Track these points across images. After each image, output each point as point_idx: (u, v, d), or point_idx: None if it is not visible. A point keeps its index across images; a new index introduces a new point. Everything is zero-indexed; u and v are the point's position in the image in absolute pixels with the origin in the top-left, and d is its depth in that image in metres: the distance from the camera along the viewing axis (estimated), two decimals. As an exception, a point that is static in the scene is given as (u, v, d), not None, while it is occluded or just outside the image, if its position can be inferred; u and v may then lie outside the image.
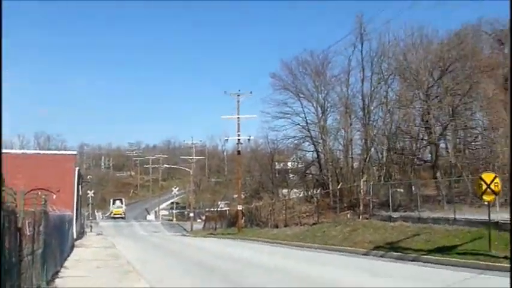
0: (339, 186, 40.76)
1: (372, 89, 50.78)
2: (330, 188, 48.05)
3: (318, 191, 51.46)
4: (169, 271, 19.80)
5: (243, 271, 18.71)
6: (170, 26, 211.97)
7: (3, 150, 58.14)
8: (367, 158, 48.98)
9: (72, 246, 32.70)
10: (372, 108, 51.05)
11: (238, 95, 52.59)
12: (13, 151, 50.21)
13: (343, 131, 54.68)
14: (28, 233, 11.51)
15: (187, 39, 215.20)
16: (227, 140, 55.23)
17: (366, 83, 51.12)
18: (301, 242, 32.06)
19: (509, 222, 19.54)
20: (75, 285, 15.36)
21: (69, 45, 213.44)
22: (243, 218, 53.21)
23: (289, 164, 74.26)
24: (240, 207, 52.14)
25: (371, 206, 31.21)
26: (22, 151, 56.15)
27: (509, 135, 31.61)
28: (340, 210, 35.95)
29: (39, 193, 15.30)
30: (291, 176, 71.24)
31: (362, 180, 35.29)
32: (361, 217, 32.06)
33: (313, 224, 37.17)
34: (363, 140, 51.52)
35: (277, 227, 43.55)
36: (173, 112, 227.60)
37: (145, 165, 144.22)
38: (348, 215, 34.24)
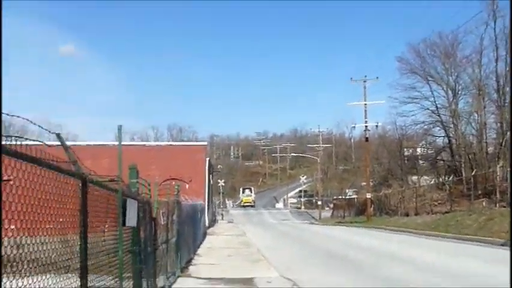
0: (473, 173, 38.81)
1: (507, 68, 47.85)
2: (463, 174, 46.04)
3: (450, 178, 49.44)
4: (299, 260, 19.85)
5: (376, 262, 18.25)
6: (297, 15, 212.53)
7: (140, 143, 61.41)
8: (503, 143, 46.28)
9: (205, 234, 33.79)
10: (508, 89, 48.14)
11: (365, 81, 51.73)
12: (148, 143, 52.89)
13: (476, 115, 52.04)
14: (162, 223, 11.97)
15: (311, 26, 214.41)
16: (354, 127, 54.52)
17: (500, 63, 48.25)
18: (433, 231, 30.98)
19: None
20: (207, 272, 15.83)
21: (199, 36, 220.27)
22: (372, 206, 52.35)
23: (418, 150, 72.00)
24: (368, 195, 51.37)
25: (509, 193, 29.43)
26: (156, 143, 58.90)
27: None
28: (474, 198, 34.28)
29: (173, 183, 15.90)
30: (420, 162, 68.96)
31: (498, 166, 33.36)
32: (497, 205, 30.38)
33: (446, 212, 35.77)
34: (498, 124, 48.78)
35: (407, 215, 42.43)
36: (300, 101, 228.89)
37: (273, 154, 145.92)
38: (483, 203, 32.57)
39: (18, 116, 3.88)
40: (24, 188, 3.60)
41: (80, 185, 4.68)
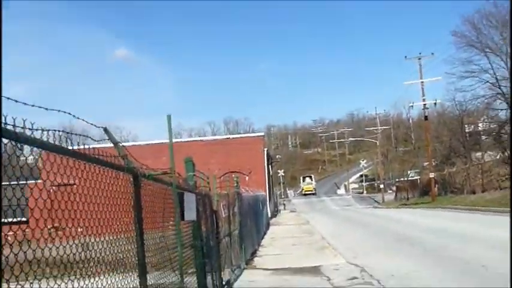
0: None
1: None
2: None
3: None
4: (365, 245, 19.39)
5: (448, 245, 17.52)
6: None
7: (197, 138, 61.87)
8: None
9: (268, 225, 33.68)
10: None
11: (420, 58, 50.39)
12: (205, 138, 53.21)
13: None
14: (224, 215, 11.80)
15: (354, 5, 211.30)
16: (412, 106, 52.94)
17: None
18: (503, 207, 29.82)
19: None
20: (273, 263, 15.62)
21: (252, 32, 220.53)
22: (436, 185, 51.03)
23: (480, 125, 69.77)
24: (432, 175, 50.07)
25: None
26: (213, 137, 59.21)
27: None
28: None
29: (232, 176, 15.75)
30: (483, 138, 66.77)
31: None
32: None
33: (516, 186, 34.40)
34: None
35: (474, 193, 41.14)
36: (354, 84, 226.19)
37: (331, 141, 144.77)
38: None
39: (77, 117, 3.70)
40: (85, 188, 3.69)
41: (131, 179, 4.49)
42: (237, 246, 13.86)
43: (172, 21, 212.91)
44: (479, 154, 63.02)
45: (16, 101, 2.93)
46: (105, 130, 4.37)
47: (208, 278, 8.67)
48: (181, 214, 6.32)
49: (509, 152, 28.09)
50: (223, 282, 10.75)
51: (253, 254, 18.09)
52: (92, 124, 4.20)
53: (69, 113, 3.68)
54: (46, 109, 3.29)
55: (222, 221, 11.50)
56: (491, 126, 64.81)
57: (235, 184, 14.44)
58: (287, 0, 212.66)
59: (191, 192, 7.29)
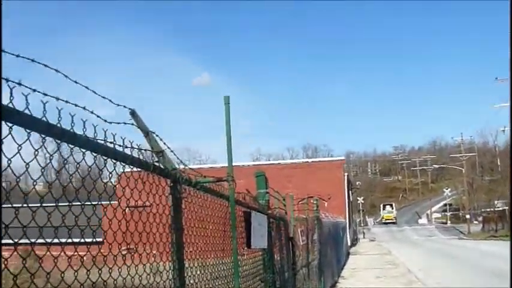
0: None
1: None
2: None
3: None
4: (458, 281, 17.23)
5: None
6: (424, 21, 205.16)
7: (274, 161, 60.62)
8: None
9: (347, 254, 31.75)
10: None
11: (512, 80, 47.06)
12: (283, 161, 51.79)
13: None
14: (301, 243, 10.27)
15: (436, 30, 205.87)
16: (504, 130, 49.35)
17: None
18: None
19: None
20: (356, 298, 13.90)
21: (328, 54, 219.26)
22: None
23: None
24: (525, 205, 46.44)
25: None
26: (291, 161, 57.71)
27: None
28: None
29: (311, 200, 14.20)
30: None
31: None
32: None
33: None
34: None
35: None
36: (436, 109, 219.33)
37: (412, 168, 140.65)
38: None
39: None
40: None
41: (170, 185, 3.10)
42: (315, 278, 12.23)
43: (251, 46, 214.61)
44: None
45: None
46: (132, 113, 3.00)
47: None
48: (247, 239, 4.86)
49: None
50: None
51: (333, 286, 16.40)
52: (118, 105, 2.84)
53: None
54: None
55: (299, 249, 9.94)
56: None
57: (315, 208, 12.87)
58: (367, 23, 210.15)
59: (262, 213, 5.82)
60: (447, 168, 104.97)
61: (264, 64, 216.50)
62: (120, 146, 2.70)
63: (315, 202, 12.91)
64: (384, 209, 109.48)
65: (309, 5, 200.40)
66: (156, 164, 2.91)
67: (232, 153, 3.73)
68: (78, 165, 2.54)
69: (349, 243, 40.01)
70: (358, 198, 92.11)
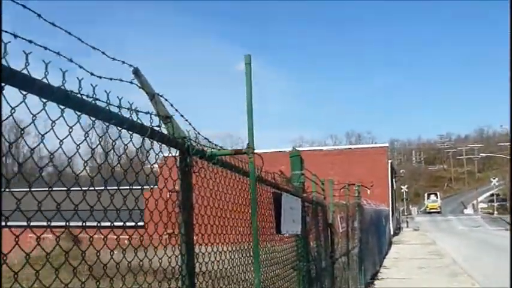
0: None
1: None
2: None
3: None
4: (507, 274, 16.40)
5: None
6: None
7: (316, 147, 59.84)
8: None
9: (390, 243, 31.03)
10: None
11: None
12: (325, 147, 50.97)
13: None
14: (341, 230, 9.75)
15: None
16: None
17: None
18: None
19: None
20: (398, 289, 13.30)
21: (374, 38, 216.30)
22: None
23: None
24: None
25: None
26: (334, 147, 56.83)
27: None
28: None
29: (353, 187, 13.65)
30: None
31: None
32: None
33: None
34: None
35: None
36: (484, 98, 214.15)
37: (457, 157, 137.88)
38: None
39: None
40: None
41: (178, 157, 2.64)
42: (355, 268, 11.70)
43: (298, 34, 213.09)
44: None
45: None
46: (136, 72, 2.54)
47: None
48: (276, 224, 4.38)
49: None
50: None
51: (374, 276, 15.81)
52: (118, 60, 2.39)
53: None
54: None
55: (339, 236, 9.43)
56: None
57: (357, 194, 12.30)
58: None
59: (296, 195, 5.33)
60: (494, 157, 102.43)
61: (311, 52, 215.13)
62: (117, 107, 2.25)
63: (356, 188, 12.34)
64: (428, 198, 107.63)
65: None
66: (158, 129, 2.44)
67: (253, 121, 3.23)
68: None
69: (391, 232, 39.17)
70: (402, 186, 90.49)
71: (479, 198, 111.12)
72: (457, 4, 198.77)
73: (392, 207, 44.03)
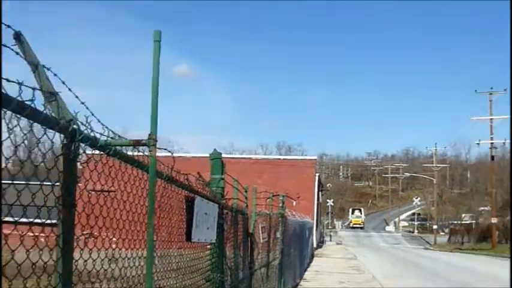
0: None
1: None
2: None
3: None
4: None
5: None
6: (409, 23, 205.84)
7: (246, 155, 59.61)
8: None
9: (312, 256, 31.04)
10: None
11: (491, 93, 46.68)
12: (254, 156, 50.72)
13: None
14: (261, 240, 9.41)
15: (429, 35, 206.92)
16: (479, 143, 48.62)
17: None
18: None
19: None
20: (316, 303, 13.07)
21: (306, 55, 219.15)
22: (497, 232, 47.07)
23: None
24: (494, 220, 46.21)
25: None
26: (263, 156, 56.77)
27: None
28: None
29: (279, 197, 13.36)
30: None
31: None
32: None
33: None
34: None
35: (543, 245, 37.30)
36: (412, 120, 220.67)
37: (383, 175, 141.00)
38: None
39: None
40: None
41: (63, 142, 2.17)
42: (275, 280, 11.39)
43: (232, 39, 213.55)
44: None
45: None
46: (17, 37, 2.09)
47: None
48: (187, 230, 3.97)
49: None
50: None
51: (294, 288, 15.59)
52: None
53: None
54: None
55: (259, 247, 9.08)
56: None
57: (281, 205, 12.01)
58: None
59: (213, 201, 4.94)
60: (418, 177, 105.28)
61: (245, 63, 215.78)
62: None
63: (281, 199, 12.05)
64: (352, 213, 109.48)
65: (297, 4, 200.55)
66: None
67: (157, 107, 2.82)
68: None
69: (314, 245, 39.32)
70: (328, 200, 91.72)
71: (401, 217, 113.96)
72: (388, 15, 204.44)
73: (317, 220, 44.27)
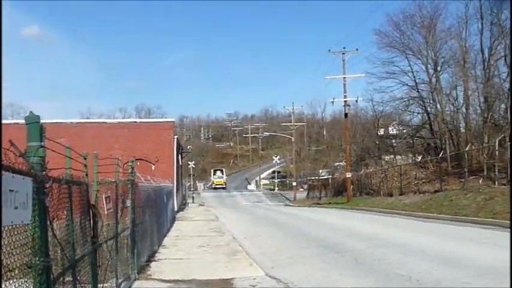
0: (467, 148, 35.79)
1: (493, 40, 44.83)
2: (447, 152, 43.06)
3: (430, 156, 46.62)
4: (285, 251, 16.57)
5: (375, 252, 15.03)
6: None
7: (100, 120, 57.37)
8: (488, 118, 43.43)
9: (173, 220, 30.51)
10: (493, 62, 45.20)
11: (343, 53, 48.17)
12: (109, 120, 48.83)
13: (458, 90, 49.03)
14: (106, 211, 8.60)
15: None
16: (333, 102, 50.10)
17: (486, 33, 45.33)
18: (425, 212, 28.15)
19: None
20: (173, 272, 12.47)
21: (167, 14, 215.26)
22: (351, 186, 49.26)
23: (393, 128, 69.49)
24: (348, 175, 48.25)
25: (509, 170, 26.52)
26: (118, 120, 54.88)
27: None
28: (469, 175, 31.29)
29: (138, 164, 12.53)
30: (397, 140, 66.09)
31: (497, 139, 30.34)
32: (496, 183, 27.50)
33: (436, 191, 32.86)
34: (483, 98, 45.86)
35: (391, 195, 39.54)
36: (270, 80, 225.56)
37: (244, 135, 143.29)
38: (480, 181, 29.65)
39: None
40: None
41: None
42: (126, 252, 10.65)
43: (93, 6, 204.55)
44: (388, 158, 62.73)
45: None
46: None
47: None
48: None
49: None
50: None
51: (152, 256, 14.92)
52: None
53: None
54: None
55: (103, 219, 8.26)
56: (404, 130, 64.14)
57: (130, 170, 11.19)
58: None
59: (27, 174, 4.10)
60: (277, 136, 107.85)
61: (102, 26, 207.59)
62: None
63: (130, 164, 11.22)
64: (214, 174, 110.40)
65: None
66: None
67: None
68: None
69: (176, 208, 38.81)
70: (189, 162, 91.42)
71: (262, 175, 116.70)
72: None
73: (177, 183, 43.69)
